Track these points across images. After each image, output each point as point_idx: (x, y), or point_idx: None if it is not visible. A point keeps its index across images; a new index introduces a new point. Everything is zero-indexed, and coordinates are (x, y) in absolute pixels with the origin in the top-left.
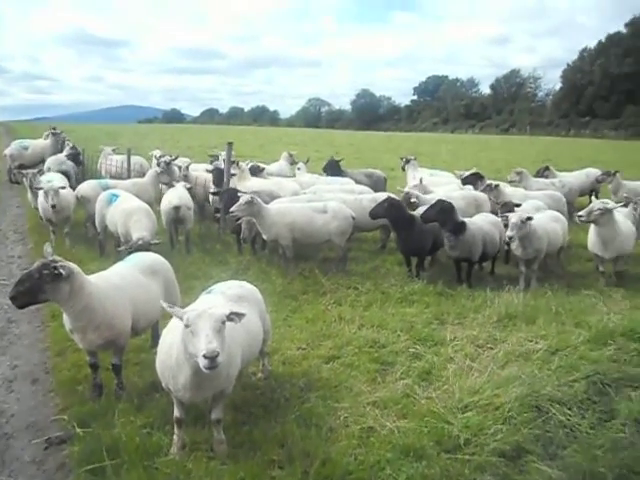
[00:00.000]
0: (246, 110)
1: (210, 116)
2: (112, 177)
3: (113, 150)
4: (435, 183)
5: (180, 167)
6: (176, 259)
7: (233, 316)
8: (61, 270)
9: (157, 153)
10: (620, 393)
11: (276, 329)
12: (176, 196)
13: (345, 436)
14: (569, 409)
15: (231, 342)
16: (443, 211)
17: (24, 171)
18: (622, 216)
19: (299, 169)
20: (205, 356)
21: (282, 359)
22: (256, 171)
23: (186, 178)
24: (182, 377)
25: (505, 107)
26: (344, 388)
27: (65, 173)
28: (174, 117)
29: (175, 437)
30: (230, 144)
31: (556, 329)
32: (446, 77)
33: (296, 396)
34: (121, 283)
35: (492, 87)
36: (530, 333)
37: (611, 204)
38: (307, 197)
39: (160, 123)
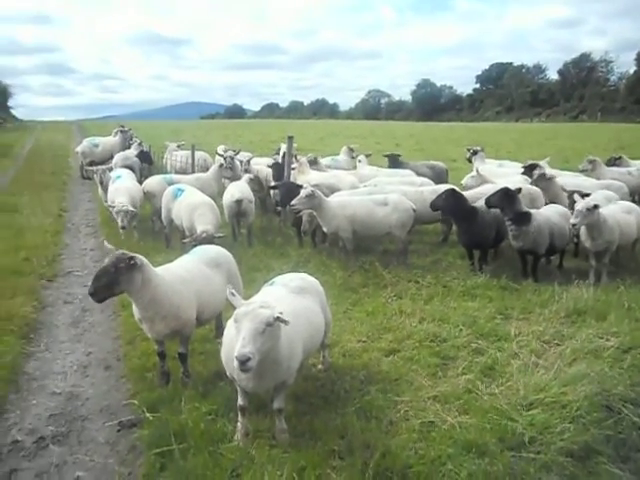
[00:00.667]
0: (306, 104)
1: (270, 110)
2: (177, 172)
3: (178, 146)
4: (497, 174)
5: (242, 161)
6: (238, 252)
7: (282, 319)
8: (136, 260)
9: (221, 149)
10: None
11: (336, 322)
12: (238, 190)
13: (405, 430)
14: None
15: (293, 334)
16: (504, 198)
17: (94, 167)
18: None
19: (360, 161)
20: (237, 358)
21: (342, 351)
22: (315, 164)
23: (247, 172)
24: None
25: (574, 93)
26: (404, 382)
27: (130, 168)
28: (236, 112)
29: (239, 424)
30: (291, 138)
31: (629, 326)
32: (510, 64)
33: (356, 388)
34: (186, 275)
35: (560, 72)
36: (600, 330)
37: None
38: (368, 189)
39: (222, 119)
